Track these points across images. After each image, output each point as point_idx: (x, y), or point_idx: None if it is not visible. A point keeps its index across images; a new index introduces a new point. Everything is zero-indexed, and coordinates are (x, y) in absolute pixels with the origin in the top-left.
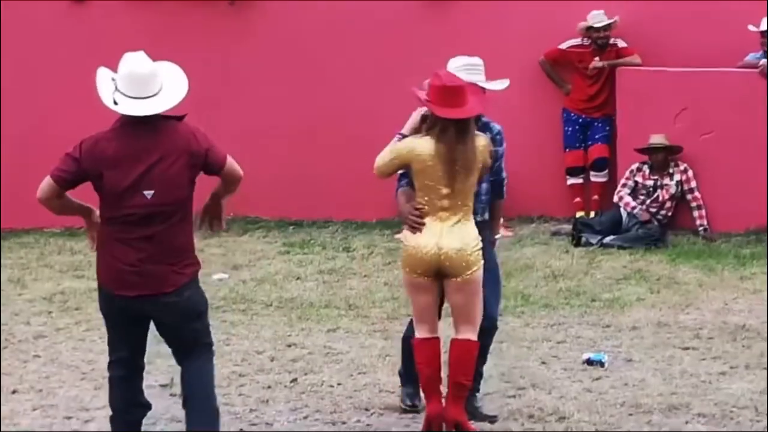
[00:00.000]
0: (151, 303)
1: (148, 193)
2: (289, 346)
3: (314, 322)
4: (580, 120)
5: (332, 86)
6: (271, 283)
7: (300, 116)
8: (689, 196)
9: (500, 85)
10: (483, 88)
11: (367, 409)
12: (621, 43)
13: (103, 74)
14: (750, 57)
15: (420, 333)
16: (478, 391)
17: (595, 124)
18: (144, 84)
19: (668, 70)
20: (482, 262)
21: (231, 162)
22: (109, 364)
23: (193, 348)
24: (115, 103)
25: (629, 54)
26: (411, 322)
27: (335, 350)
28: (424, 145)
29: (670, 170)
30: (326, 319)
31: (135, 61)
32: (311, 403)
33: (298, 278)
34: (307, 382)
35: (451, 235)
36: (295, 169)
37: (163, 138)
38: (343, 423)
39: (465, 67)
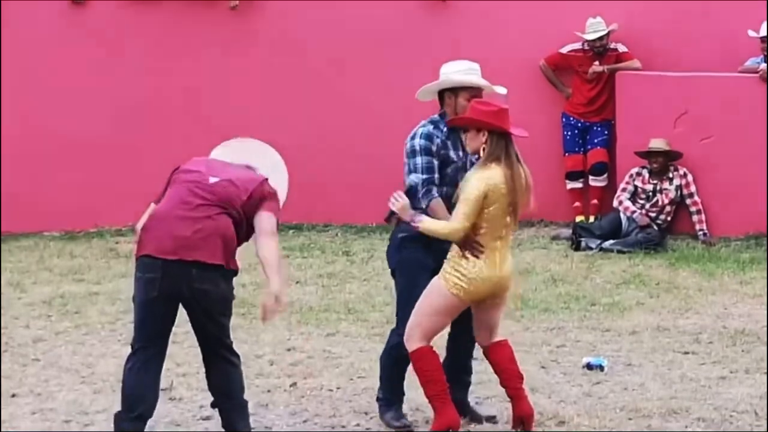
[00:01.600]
0: (189, 282)
1: (214, 179)
2: (289, 350)
3: (314, 326)
4: (580, 124)
5: (332, 90)
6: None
7: (300, 120)
8: (689, 201)
9: (502, 89)
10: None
11: (366, 413)
12: (621, 48)
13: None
14: (750, 62)
15: (425, 342)
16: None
17: (595, 128)
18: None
19: (668, 75)
20: None
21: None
22: (129, 356)
23: (222, 350)
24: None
25: (629, 59)
26: (396, 338)
27: (335, 354)
28: (497, 174)
29: (670, 175)
30: (326, 323)
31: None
32: (311, 407)
33: (297, 282)
34: (307, 386)
35: (505, 263)
36: (294, 172)
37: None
38: (343, 427)
39: (465, 70)
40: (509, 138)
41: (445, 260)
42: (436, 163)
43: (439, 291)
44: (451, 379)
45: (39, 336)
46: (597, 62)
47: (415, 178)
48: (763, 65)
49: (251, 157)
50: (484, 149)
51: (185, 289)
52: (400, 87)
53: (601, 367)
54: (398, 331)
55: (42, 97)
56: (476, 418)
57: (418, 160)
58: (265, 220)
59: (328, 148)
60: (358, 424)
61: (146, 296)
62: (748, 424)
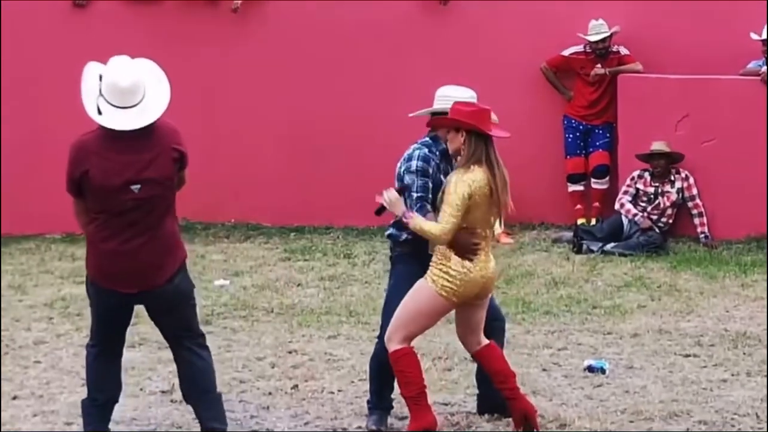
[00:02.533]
0: (145, 295)
1: (136, 188)
2: (290, 352)
3: (315, 329)
4: (581, 127)
5: (334, 92)
6: (272, 290)
7: (301, 122)
8: (690, 204)
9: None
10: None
11: (367, 416)
12: (623, 51)
13: (90, 73)
14: (752, 65)
15: (407, 343)
16: None
17: (596, 131)
18: (127, 95)
19: (669, 77)
20: None
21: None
22: (92, 345)
23: (188, 339)
24: (99, 112)
25: (631, 61)
26: (380, 345)
27: (336, 357)
28: (479, 177)
29: (672, 177)
30: (327, 325)
31: (119, 72)
32: (312, 410)
33: (299, 285)
34: (308, 388)
35: (490, 263)
36: (296, 175)
37: (148, 134)
38: (344, 429)
39: (468, 98)
40: (489, 139)
41: (430, 263)
42: (431, 184)
43: (427, 294)
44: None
45: (40, 338)
46: (599, 65)
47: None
48: (765, 68)
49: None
50: (463, 150)
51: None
52: (402, 89)
53: (602, 370)
54: (382, 339)
55: (45, 98)
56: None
57: (415, 179)
58: (182, 175)
59: (329, 151)
60: (359, 427)
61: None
62: (750, 427)
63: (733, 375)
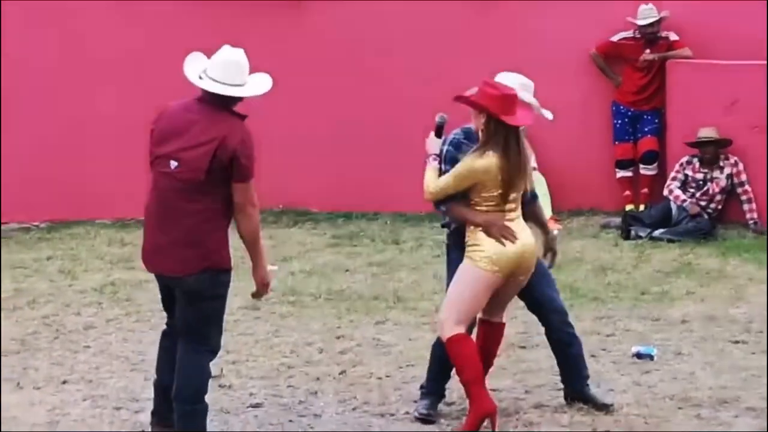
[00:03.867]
0: (167, 280)
1: (174, 164)
2: (338, 338)
3: (363, 314)
4: (630, 113)
5: (382, 80)
6: (320, 276)
7: (350, 109)
8: (739, 190)
9: (548, 114)
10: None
11: (415, 401)
12: (673, 36)
13: (194, 56)
14: None
15: (462, 329)
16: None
17: (645, 116)
18: (233, 71)
19: (719, 63)
20: None
21: (251, 188)
22: (165, 327)
23: (189, 335)
24: (200, 78)
25: (680, 47)
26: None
27: (383, 342)
28: (490, 162)
29: (721, 163)
30: (375, 311)
31: (230, 50)
32: (359, 395)
33: (346, 270)
34: (356, 373)
35: (525, 231)
36: (344, 161)
37: (214, 120)
38: (392, 415)
39: (520, 87)
40: (510, 125)
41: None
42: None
43: (470, 272)
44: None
45: (90, 323)
46: (648, 50)
47: None
48: None
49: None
50: (482, 130)
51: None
52: (450, 78)
53: (650, 357)
54: None
55: (97, 83)
56: (598, 407)
57: (443, 167)
58: (239, 189)
59: (378, 137)
60: (407, 412)
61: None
62: None
63: None
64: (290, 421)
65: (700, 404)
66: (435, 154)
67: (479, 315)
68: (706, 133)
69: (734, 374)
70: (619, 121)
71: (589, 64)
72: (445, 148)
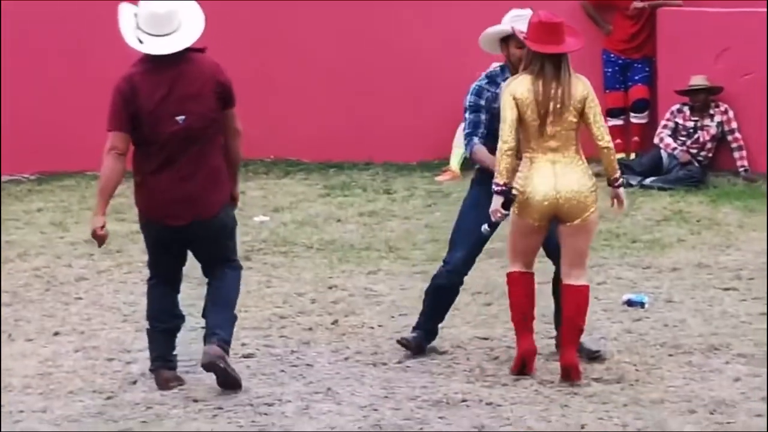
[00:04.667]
0: (197, 226)
1: (180, 119)
2: (330, 288)
3: (355, 265)
4: (620, 61)
5: (376, 29)
6: (312, 226)
7: (340, 59)
8: (730, 137)
9: None
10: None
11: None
12: None
13: (125, 11)
14: None
15: (517, 267)
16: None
17: (635, 65)
18: (164, 22)
19: (709, 11)
20: (597, 203)
21: (235, 110)
22: (150, 279)
23: (224, 263)
24: (140, 42)
25: None
26: (444, 266)
27: (376, 292)
28: (523, 84)
29: (711, 111)
30: (367, 261)
31: (153, 2)
32: (352, 345)
33: (338, 220)
34: (348, 323)
35: (566, 177)
36: (335, 112)
37: (190, 67)
38: (384, 364)
39: (518, 18)
40: (549, 54)
41: None
42: (483, 117)
43: (512, 215)
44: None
45: (81, 275)
46: None
47: (464, 132)
48: None
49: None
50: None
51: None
52: (440, 28)
53: (641, 304)
54: (444, 260)
55: (85, 38)
56: (588, 354)
57: (467, 116)
58: (231, 114)
59: (369, 87)
60: (399, 362)
61: (155, 241)
62: None
63: None
64: (282, 371)
65: (691, 351)
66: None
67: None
68: (697, 80)
69: (725, 321)
70: (610, 70)
71: (579, 12)
72: (467, 98)
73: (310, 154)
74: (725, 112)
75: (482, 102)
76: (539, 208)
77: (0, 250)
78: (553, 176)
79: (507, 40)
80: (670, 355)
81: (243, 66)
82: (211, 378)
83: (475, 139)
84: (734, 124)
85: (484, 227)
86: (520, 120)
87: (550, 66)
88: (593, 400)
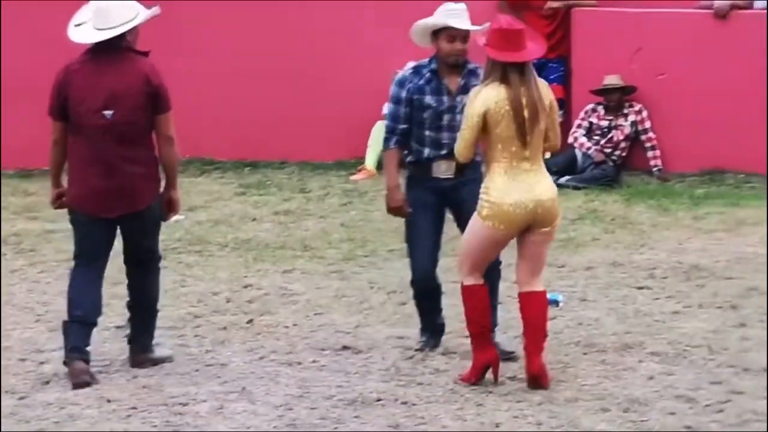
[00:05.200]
0: (123, 219)
1: (108, 113)
2: (245, 287)
3: (270, 263)
4: (535, 61)
5: (292, 26)
6: (227, 225)
7: (255, 57)
8: (644, 137)
9: (482, 27)
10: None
11: (322, 349)
12: None
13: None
14: None
15: (472, 280)
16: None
17: (550, 64)
18: (103, 15)
19: (623, 11)
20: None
21: (171, 117)
22: (75, 266)
23: (147, 257)
24: (75, 27)
25: None
26: (413, 276)
27: (291, 291)
28: (492, 95)
29: (625, 111)
30: (282, 260)
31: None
32: (267, 344)
33: (254, 219)
34: (263, 322)
35: (540, 185)
36: (251, 110)
37: (125, 65)
38: (299, 363)
39: (443, 12)
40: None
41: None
42: (403, 110)
43: (476, 222)
44: None
45: None
46: None
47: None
48: (718, 2)
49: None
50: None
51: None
52: (354, 27)
53: (556, 303)
54: (411, 270)
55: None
56: (503, 354)
57: (388, 107)
58: (163, 120)
59: (285, 85)
60: (314, 361)
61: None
62: (702, 358)
63: (685, 307)
64: (197, 370)
65: (605, 350)
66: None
67: (518, 288)
68: (611, 80)
69: (638, 320)
70: None
71: (494, 11)
72: (390, 89)
73: (225, 153)
74: (639, 111)
75: (403, 94)
76: (517, 219)
77: None
78: (529, 185)
79: (437, 33)
80: (585, 354)
81: (155, 63)
82: (124, 377)
83: (392, 142)
84: (648, 124)
85: None
86: (490, 130)
87: (514, 74)
88: (508, 398)
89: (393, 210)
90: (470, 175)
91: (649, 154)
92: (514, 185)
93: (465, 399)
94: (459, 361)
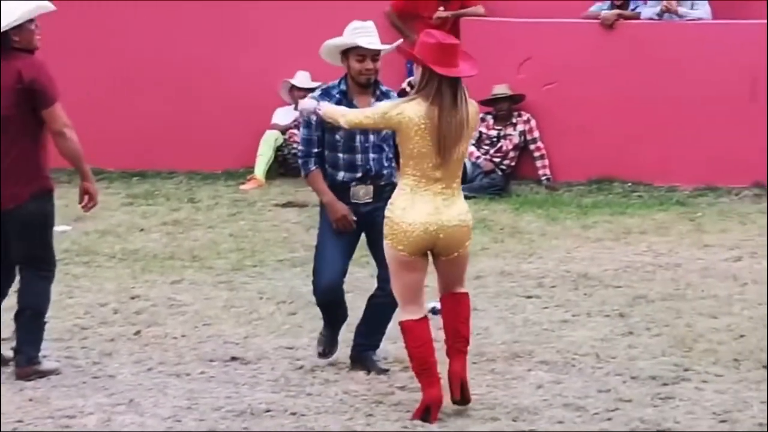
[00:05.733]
0: (3, 217)
1: None
2: (133, 298)
3: (158, 274)
4: None
5: (177, 38)
6: (115, 235)
7: (143, 66)
8: (532, 146)
9: (392, 46)
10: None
11: (211, 360)
12: None
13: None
14: (595, 7)
15: (410, 314)
16: (378, 347)
17: None
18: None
19: (511, 21)
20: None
21: (56, 111)
22: None
23: (34, 267)
24: None
25: (473, 4)
26: (315, 293)
27: (179, 302)
28: (415, 109)
29: (514, 120)
30: (170, 270)
31: None
32: (155, 355)
33: (141, 230)
34: (151, 334)
35: (451, 210)
36: (138, 119)
37: (4, 62)
38: (187, 375)
39: (351, 31)
40: (447, 78)
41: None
42: (315, 134)
43: (387, 248)
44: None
45: None
46: (442, 8)
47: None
48: (605, 11)
49: None
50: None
51: None
52: (250, 31)
53: (434, 310)
54: (314, 286)
55: None
56: (375, 370)
57: (301, 131)
58: (46, 115)
59: (172, 94)
60: (202, 372)
61: None
62: (590, 366)
63: (573, 315)
64: (84, 382)
65: (494, 359)
66: (316, 106)
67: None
68: (500, 89)
69: (527, 328)
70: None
71: (384, 21)
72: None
73: (112, 163)
74: (527, 121)
75: (314, 117)
76: (417, 240)
77: None
78: (436, 208)
79: (347, 52)
80: (474, 363)
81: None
82: (10, 390)
83: (311, 164)
84: (536, 134)
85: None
86: (401, 143)
87: (447, 90)
88: (398, 408)
89: (339, 221)
90: (389, 197)
91: (538, 163)
92: (418, 205)
93: (355, 409)
94: (347, 372)
